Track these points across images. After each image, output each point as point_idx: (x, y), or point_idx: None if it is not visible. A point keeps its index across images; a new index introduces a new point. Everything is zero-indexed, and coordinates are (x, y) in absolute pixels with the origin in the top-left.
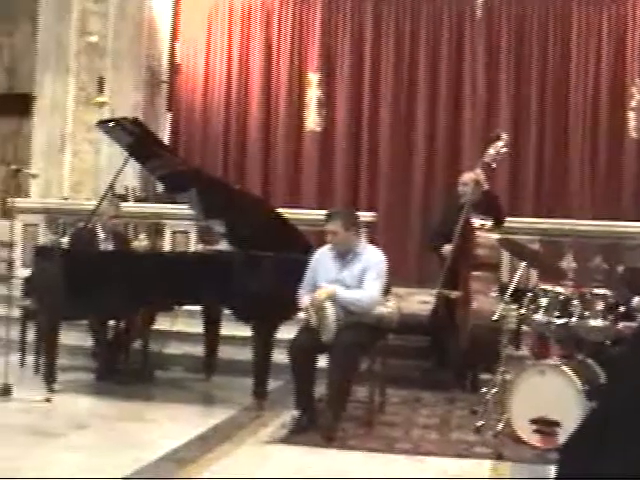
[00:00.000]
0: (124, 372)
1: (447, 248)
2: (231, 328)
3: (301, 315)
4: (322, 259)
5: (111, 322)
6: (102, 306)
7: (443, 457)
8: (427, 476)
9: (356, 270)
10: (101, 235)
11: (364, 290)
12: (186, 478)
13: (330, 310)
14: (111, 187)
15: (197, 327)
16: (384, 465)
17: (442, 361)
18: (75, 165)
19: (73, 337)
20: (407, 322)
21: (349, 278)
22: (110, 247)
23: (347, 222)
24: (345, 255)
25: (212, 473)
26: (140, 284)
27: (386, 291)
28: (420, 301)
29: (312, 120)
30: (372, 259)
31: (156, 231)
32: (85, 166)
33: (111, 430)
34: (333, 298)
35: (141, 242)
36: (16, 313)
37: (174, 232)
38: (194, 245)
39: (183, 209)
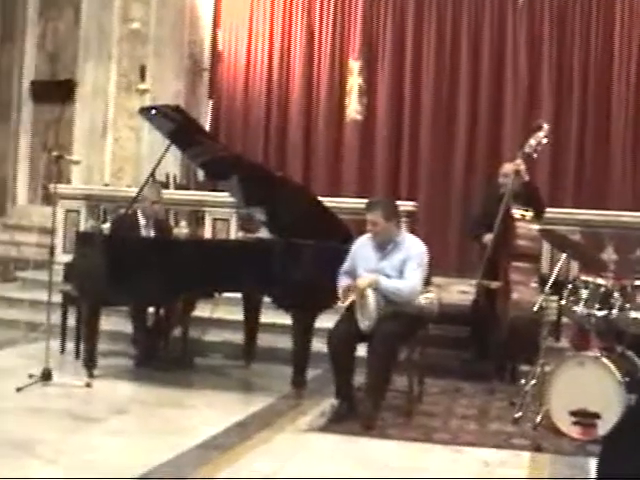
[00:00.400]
0: (164, 359)
1: (488, 237)
2: (271, 316)
3: (340, 304)
4: (362, 248)
5: (151, 309)
6: (142, 292)
7: (481, 448)
8: (465, 466)
9: (396, 260)
10: (142, 221)
11: (405, 280)
12: (225, 464)
13: (371, 298)
14: (152, 174)
15: (237, 314)
16: (422, 454)
17: (482, 352)
18: (116, 152)
19: (113, 323)
20: (447, 312)
21: (389, 268)
22: (151, 233)
23: (387, 212)
24: (385, 245)
25: (251, 460)
26: (180, 271)
27: (426, 281)
28: (460, 291)
29: (353, 108)
30: (413, 249)
31: (197, 218)
32: (126, 153)
33: (151, 416)
34: (374, 287)
35: (182, 229)
36: (57, 298)
37: (215, 219)
38: (235, 233)
39: (224, 196)
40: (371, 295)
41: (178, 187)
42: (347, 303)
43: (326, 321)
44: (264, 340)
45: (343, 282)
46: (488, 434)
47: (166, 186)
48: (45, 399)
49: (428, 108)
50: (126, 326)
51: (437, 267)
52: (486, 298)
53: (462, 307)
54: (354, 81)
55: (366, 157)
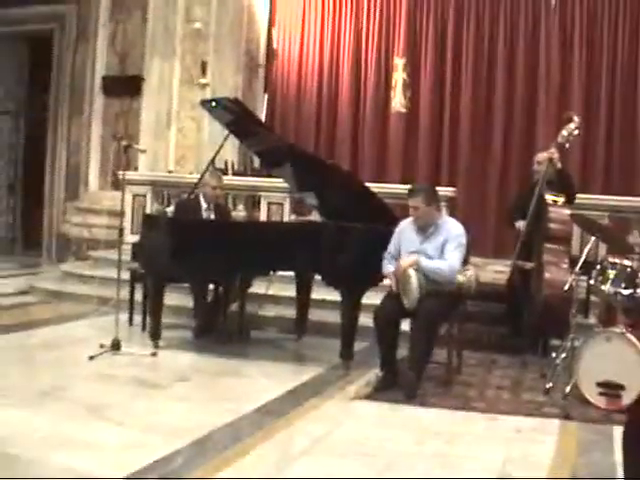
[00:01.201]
0: (222, 332)
1: (519, 224)
2: (321, 292)
3: (386, 282)
4: (405, 231)
5: (211, 286)
6: (203, 271)
7: (515, 415)
8: (500, 432)
9: (437, 242)
10: (204, 205)
11: (445, 260)
12: (279, 428)
13: (413, 278)
14: (212, 161)
15: (290, 291)
16: (460, 421)
17: (517, 329)
18: (179, 141)
19: (176, 298)
20: (484, 290)
21: (430, 249)
22: (211, 216)
23: (427, 197)
24: (427, 228)
25: (303, 424)
26: (238, 251)
27: (465, 260)
28: (496, 271)
29: (398, 101)
30: (452, 231)
31: (253, 202)
32: (188, 142)
33: (211, 383)
34: (416, 267)
35: (239, 212)
36: (126, 276)
37: (270, 203)
38: (288, 216)
39: (278, 182)
40: (413, 275)
41: (235, 173)
42: (395, 284)
43: (372, 298)
44: (315, 315)
45: (387, 268)
46: (521, 403)
47: (224, 172)
48: (114, 367)
49: (467, 101)
50: (188, 301)
51: (475, 248)
52: (521, 278)
53: (498, 286)
54: (399, 76)
55: (409, 146)
